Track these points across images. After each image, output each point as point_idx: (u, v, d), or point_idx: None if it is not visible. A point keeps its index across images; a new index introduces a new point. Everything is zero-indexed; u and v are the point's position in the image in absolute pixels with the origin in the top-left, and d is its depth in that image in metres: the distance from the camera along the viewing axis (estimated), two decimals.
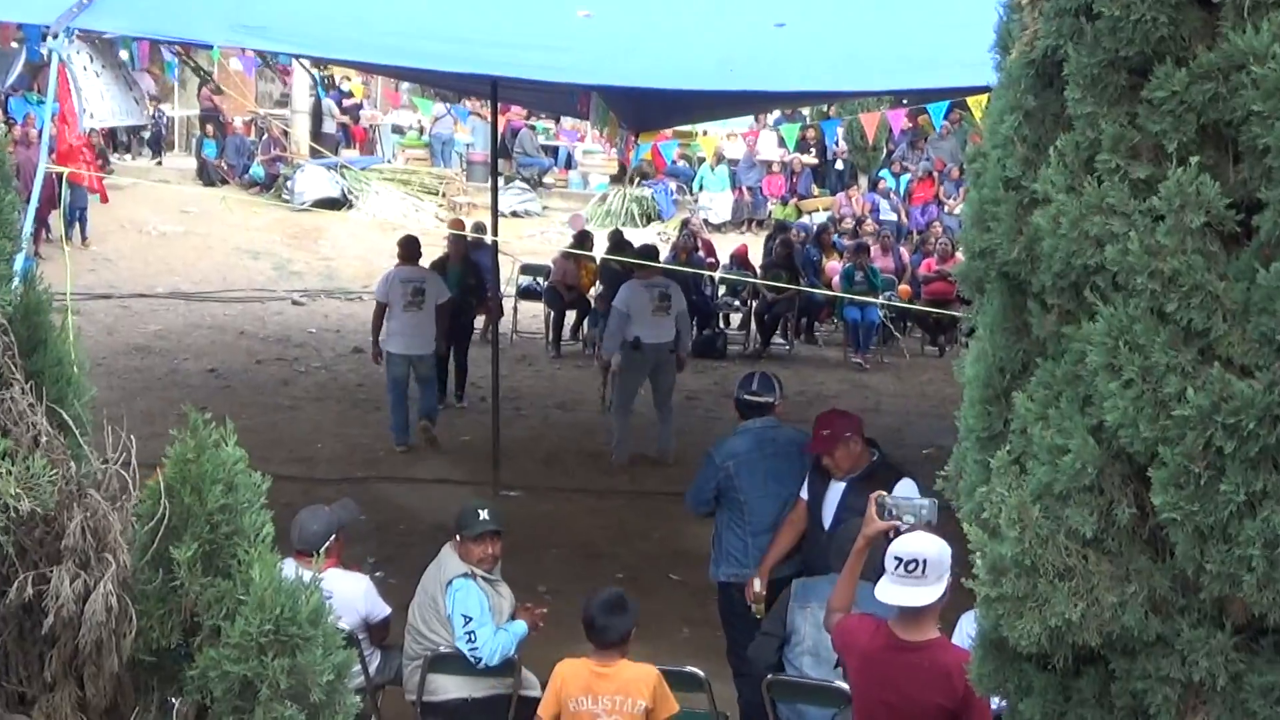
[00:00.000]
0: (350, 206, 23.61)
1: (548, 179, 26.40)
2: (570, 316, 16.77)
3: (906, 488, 5.83)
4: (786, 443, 6.45)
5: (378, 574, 7.82)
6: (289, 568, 3.34)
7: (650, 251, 12.12)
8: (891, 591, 4.07)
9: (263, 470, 3.35)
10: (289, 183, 23.78)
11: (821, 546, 5.86)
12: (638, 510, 10.18)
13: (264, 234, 22.40)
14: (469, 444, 11.86)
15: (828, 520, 6.07)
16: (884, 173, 24.31)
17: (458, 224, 15.86)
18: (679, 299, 11.40)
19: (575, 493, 10.62)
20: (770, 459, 6.40)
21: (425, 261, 12.39)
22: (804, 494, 6.24)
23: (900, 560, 4.03)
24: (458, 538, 5.74)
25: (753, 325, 17.05)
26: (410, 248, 11.85)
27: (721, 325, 17.54)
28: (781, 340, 17.32)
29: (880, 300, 16.12)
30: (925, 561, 4.01)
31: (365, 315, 17.76)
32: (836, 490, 6.07)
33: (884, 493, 4.48)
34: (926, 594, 4.05)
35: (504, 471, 10.59)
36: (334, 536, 5.72)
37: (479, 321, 14.87)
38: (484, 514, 5.76)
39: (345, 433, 12.11)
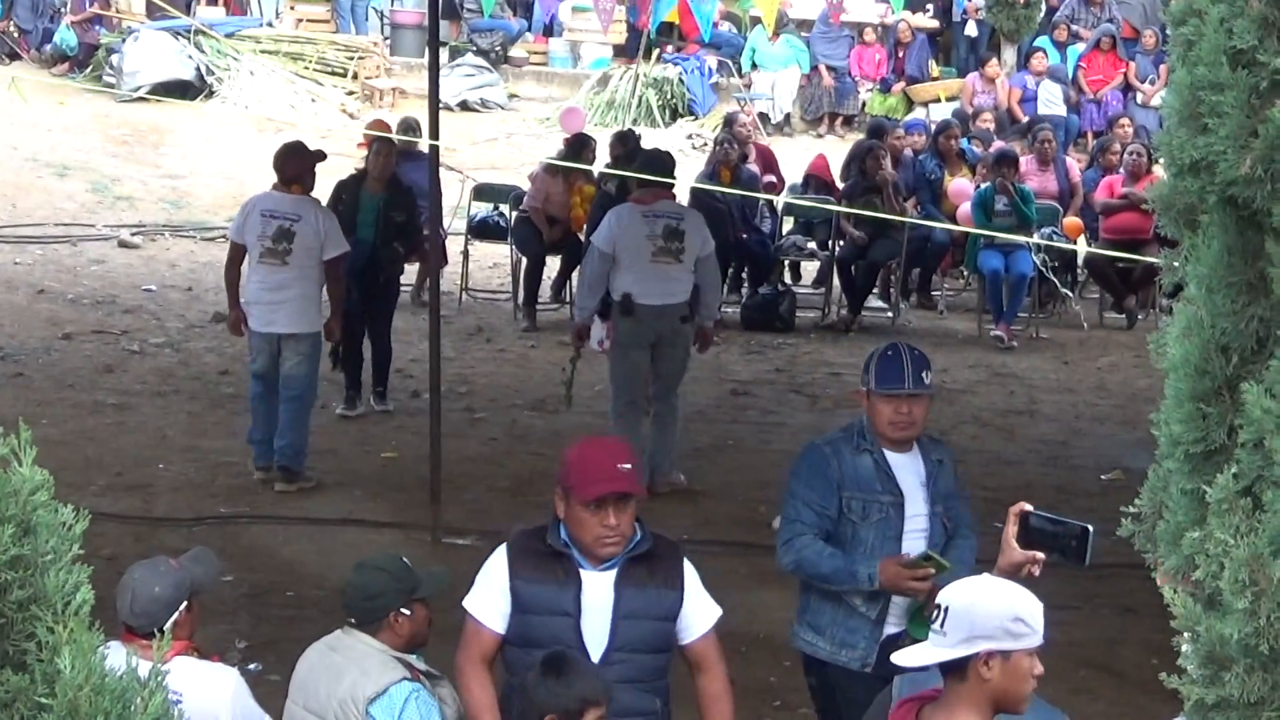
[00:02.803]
0: (210, 95, 23.50)
1: (516, 51, 26.37)
2: (553, 265, 16.72)
3: (694, 590, 5.71)
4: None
5: (251, 666, 7.78)
6: (117, 654, 3.33)
7: (657, 161, 11.96)
8: (903, 650, 4.37)
9: (75, 504, 3.35)
10: (114, 58, 23.71)
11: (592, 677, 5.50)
12: None
13: (76, 137, 22.28)
14: (395, 464, 11.90)
15: (597, 642, 5.63)
16: (1042, 42, 24.22)
17: (380, 124, 15.73)
18: (698, 236, 11.32)
19: None
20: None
21: (325, 187, 12.31)
22: (501, 590, 5.69)
23: (935, 608, 4.34)
24: (395, 615, 5.71)
25: (835, 280, 17.01)
26: (289, 161, 11.58)
27: (788, 280, 17.52)
28: (881, 304, 17.25)
29: (1036, 238, 16.03)
30: (945, 610, 4.27)
31: None
32: (600, 584, 5.64)
33: (1028, 505, 4.61)
34: (923, 654, 4.30)
35: (448, 507, 10.56)
36: (184, 606, 5.66)
37: (408, 275, 14.82)
38: (408, 565, 5.89)
39: (201, 446, 12.14)
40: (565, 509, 5.64)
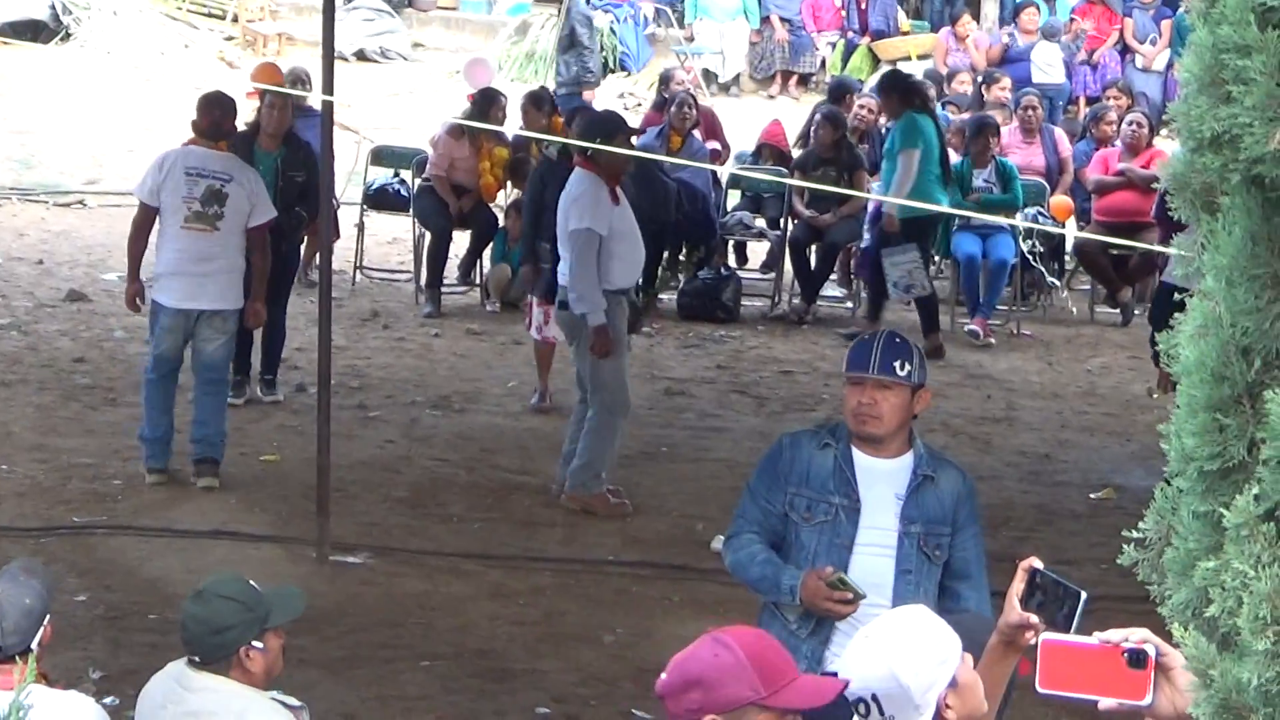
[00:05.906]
0: (66, 37, 23.46)
1: None
2: (461, 242, 16.88)
3: None
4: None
5: (107, 700, 7.74)
6: None
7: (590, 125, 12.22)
8: None
9: None
10: None
11: None
12: (582, 593, 10.21)
13: None
14: (276, 469, 12.01)
15: None
16: None
17: (269, 72, 15.73)
18: (563, 209, 11.31)
19: (469, 560, 10.65)
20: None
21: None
22: None
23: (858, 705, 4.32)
24: (247, 650, 5.69)
25: (787, 264, 17.10)
26: (214, 112, 11.72)
27: (732, 264, 17.62)
28: (839, 291, 17.41)
29: (1019, 221, 16.08)
30: (874, 699, 4.26)
31: (87, 233, 17.83)
32: None
33: (1038, 562, 4.51)
34: None
35: (337, 519, 10.57)
36: (47, 620, 5.77)
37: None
38: (256, 588, 5.87)
39: (51, 445, 12.19)
40: None
